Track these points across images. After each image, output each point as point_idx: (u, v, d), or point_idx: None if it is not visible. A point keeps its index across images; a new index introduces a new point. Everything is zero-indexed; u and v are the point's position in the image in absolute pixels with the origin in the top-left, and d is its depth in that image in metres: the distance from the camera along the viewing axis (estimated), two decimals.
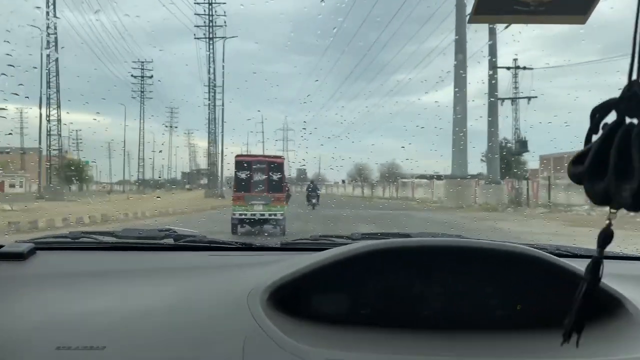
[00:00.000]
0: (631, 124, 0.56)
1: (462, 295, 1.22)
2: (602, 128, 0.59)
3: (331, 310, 1.19)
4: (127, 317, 1.13)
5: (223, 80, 36.13)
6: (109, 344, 1.01)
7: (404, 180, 43.63)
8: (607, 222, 0.59)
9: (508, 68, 36.41)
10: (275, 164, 12.72)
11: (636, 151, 0.53)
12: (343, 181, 53.54)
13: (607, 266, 1.25)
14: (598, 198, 0.58)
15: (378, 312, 1.20)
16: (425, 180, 40.32)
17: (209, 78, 34.12)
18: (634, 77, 0.58)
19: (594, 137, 0.60)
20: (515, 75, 38.58)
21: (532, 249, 1.26)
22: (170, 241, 1.75)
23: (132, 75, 45.24)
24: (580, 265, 1.14)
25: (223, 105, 34.19)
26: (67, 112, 34.95)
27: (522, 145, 38.28)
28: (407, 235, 1.75)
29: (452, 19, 24.84)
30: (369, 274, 1.22)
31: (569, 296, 0.94)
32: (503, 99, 37.80)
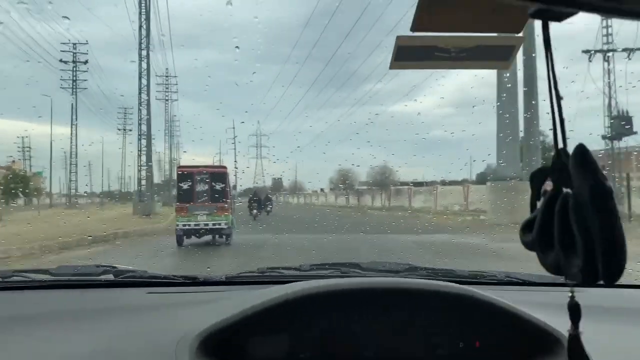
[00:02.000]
0: (567, 194, 0.53)
1: (403, 335, 1.20)
2: (543, 195, 0.57)
3: (269, 355, 1.15)
4: None
5: (148, 77, 25.61)
6: None
7: (397, 187, 37.33)
8: (570, 296, 0.56)
9: None
10: (217, 174, 12.71)
11: (575, 226, 0.51)
12: (322, 189, 48.06)
13: (553, 296, 1.47)
14: (551, 269, 0.55)
15: (318, 356, 1.16)
16: (424, 186, 33.88)
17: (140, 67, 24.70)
18: (560, 145, 0.56)
19: (539, 203, 0.58)
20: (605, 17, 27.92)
21: (470, 289, 1.24)
22: (109, 277, 1.66)
23: (61, 61, 35.70)
24: (527, 295, 1.44)
25: (141, 97, 24.30)
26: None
27: (626, 122, 22.64)
28: (357, 265, 1.74)
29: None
30: (309, 316, 1.19)
31: (507, 333, 1.19)
32: (592, 52, 24.14)
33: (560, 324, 1.12)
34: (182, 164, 12.83)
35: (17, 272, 1.67)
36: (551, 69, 0.56)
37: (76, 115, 39.37)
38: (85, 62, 36.11)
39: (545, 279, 1.84)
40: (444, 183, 33.34)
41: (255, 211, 17.76)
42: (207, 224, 11.80)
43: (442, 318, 1.20)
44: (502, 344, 1.18)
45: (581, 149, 0.52)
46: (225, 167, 13.70)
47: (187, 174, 12.44)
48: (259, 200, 18.42)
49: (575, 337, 0.59)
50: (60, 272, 1.66)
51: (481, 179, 31.03)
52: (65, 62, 36.03)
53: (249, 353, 1.14)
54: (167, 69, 46.92)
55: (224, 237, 11.89)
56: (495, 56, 0.74)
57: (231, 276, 1.73)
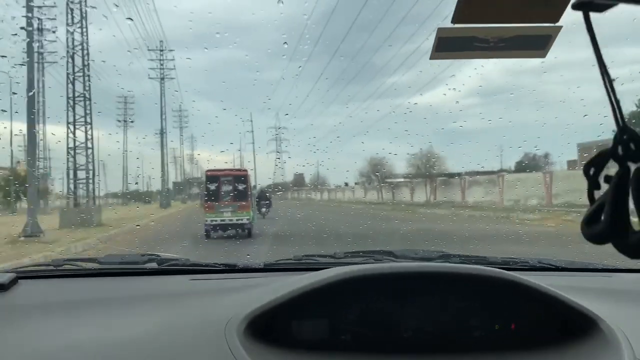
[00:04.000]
0: (638, 169, 0.54)
1: (441, 317, 1.22)
2: (605, 181, 0.57)
3: (311, 336, 1.19)
4: (106, 349, 1.11)
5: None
6: None
7: (444, 177, 29.85)
8: None
9: None
10: (240, 177, 14.20)
11: None
12: (346, 184, 41.38)
13: (585, 280, 1.57)
14: (636, 251, 0.54)
15: (358, 337, 1.19)
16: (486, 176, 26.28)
17: None
18: (621, 122, 0.56)
19: (597, 193, 0.58)
20: None
21: (505, 272, 1.25)
22: (154, 266, 1.76)
23: (21, 28, 28.75)
24: (560, 280, 1.41)
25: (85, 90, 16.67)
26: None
27: None
28: (391, 253, 1.81)
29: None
30: (348, 299, 1.21)
31: (542, 315, 1.19)
32: None
33: (593, 307, 1.17)
34: (209, 168, 14.82)
35: (69, 261, 1.75)
36: (599, 57, 0.57)
37: (44, 97, 32.59)
38: (54, 31, 28.97)
39: (576, 265, 1.85)
40: (512, 171, 25.84)
41: (264, 209, 18.65)
42: (231, 220, 13.38)
43: (478, 301, 1.22)
44: (537, 326, 1.20)
45: None
46: (246, 170, 15.37)
47: (214, 176, 14.18)
48: (265, 199, 19.16)
49: None
50: (108, 260, 1.77)
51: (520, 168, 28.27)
52: (25, 29, 28.90)
53: (292, 335, 1.17)
54: (161, 41, 40.28)
55: (246, 230, 13.32)
56: (533, 45, 0.75)
57: (269, 263, 1.81)
